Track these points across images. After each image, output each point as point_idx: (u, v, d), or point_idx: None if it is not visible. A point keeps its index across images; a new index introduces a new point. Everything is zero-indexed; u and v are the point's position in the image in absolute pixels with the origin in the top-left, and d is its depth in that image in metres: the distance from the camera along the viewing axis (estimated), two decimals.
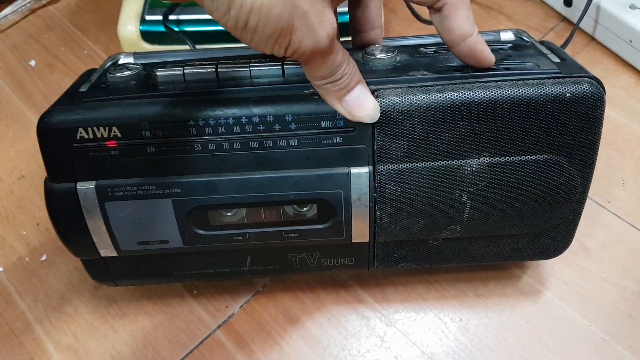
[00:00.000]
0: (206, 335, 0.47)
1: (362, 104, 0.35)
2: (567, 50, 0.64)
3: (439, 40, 0.44)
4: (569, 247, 0.44)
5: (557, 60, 0.39)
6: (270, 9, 0.28)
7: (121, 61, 0.44)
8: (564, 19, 0.69)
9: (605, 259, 0.49)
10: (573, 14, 0.67)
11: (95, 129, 0.36)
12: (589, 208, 0.52)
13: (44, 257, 0.52)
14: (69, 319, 0.48)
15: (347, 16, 0.42)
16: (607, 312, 0.46)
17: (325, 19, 0.30)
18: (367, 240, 0.41)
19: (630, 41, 0.62)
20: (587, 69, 0.39)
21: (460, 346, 0.45)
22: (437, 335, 0.46)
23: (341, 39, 0.44)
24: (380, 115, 0.36)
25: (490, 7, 0.72)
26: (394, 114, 0.36)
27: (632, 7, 0.62)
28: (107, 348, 0.46)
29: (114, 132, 0.36)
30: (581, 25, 0.66)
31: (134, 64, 0.41)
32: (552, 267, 0.49)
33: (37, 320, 0.48)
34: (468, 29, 0.35)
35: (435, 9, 0.35)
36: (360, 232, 0.40)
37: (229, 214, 0.40)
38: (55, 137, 0.37)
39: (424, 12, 0.71)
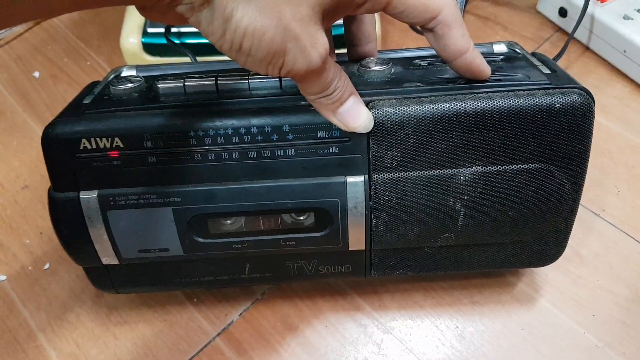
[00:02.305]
0: (206, 343, 0.47)
1: (355, 115, 0.35)
2: (562, 60, 0.65)
3: (433, 52, 0.45)
4: (563, 255, 0.44)
5: (547, 71, 0.40)
6: (264, 33, 0.29)
7: (124, 74, 0.45)
8: (559, 29, 0.70)
9: (599, 266, 0.50)
10: (568, 24, 0.68)
11: (98, 139, 0.37)
12: (583, 216, 0.53)
13: (46, 266, 0.53)
14: (71, 326, 0.49)
15: (343, 29, 0.43)
16: (601, 320, 0.46)
17: (317, 40, 0.31)
18: (363, 248, 0.42)
19: (624, 51, 0.62)
20: (582, 78, 0.40)
21: (456, 353, 0.45)
22: (433, 342, 0.46)
23: (337, 51, 0.45)
24: (375, 126, 0.36)
25: (487, 18, 0.73)
26: (388, 125, 0.37)
27: (626, 17, 0.62)
28: (109, 355, 0.47)
29: (116, 142, 0.37)
30: (576, 35, 0.67)
31: (136, 76, 0.42)
32: (547, 275, 0.49)
33: (39, 327, 0.49)
34: (463, 46, 0.36)
35: (428, 29, 0.36)
36: (356, 240, 0.41)
37: (228, 222, 0.41)
38: (59, 148, 0.37)
39: None
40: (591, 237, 0.52)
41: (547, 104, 0.36)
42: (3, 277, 0.52)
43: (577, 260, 0.50)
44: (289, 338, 0.47)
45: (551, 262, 0.45)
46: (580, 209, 0.41)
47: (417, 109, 0.36)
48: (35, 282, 0.52)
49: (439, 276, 0.50)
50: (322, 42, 0.31)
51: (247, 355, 0.46)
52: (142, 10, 0.30)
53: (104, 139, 0.37)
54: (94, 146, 0.37)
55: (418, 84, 0.38)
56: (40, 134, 0.38)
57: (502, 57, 0.43)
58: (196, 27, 0.29)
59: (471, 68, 0.37)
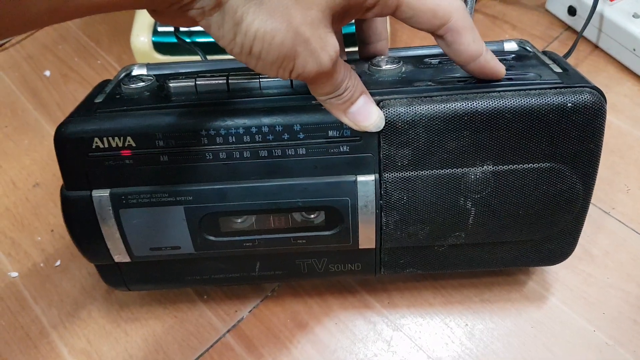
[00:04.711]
0: (216, 339, 0.47)
1: (366, 114, 0.35)
2: (571, 59, 0.64)
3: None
4: (574, 253, 0.44)
5: (559, 70, 0.40)
6: (274, 36, 0.29)
7: (135, 72, 0.45)
8: (569, 27, 0.70)
9: (609, 264, 0.50)
10: (577, 22, 0.68)
11: (110, 138, 0.37)
12: (594, 214, 0.53)
13: (58, 263, 0.53)
14: (83, 323, 0.49)
15: (354, 27, 0.43)
16: (612, 317, 0.46)
17: (327, 43, 0.31)
18: (373, 246, 0.42)
19: (634, 49, 0.62)
20: (591, 77, 0.39)
21: (466, 351, 0.45)
22: (443, 340, 0.46)
23: (348, 50, 0.45)
24: (386, 125, 0.37)
25: (495, 17, 0.72)
26: (399, 124, 0.37)
27: (636, 16, 0.62)
28: (120, 351, 0.47)
29: (129, 141, 0.37)
30: (585, 33, 0.67)
31: (147, 75, 0.42)
32: (557, 273, 0.49)
33: (51, 324, 0.49)
34: (475, 51, 0.36)
35: (438, 35, 0.36)
36: (366, 238, 0.41)
37: (239, 220, 0.41)
38: (71, 147, 0.38)
39: None
40: (601, 235, 0.52)
41: (559, 103, 0.36)
42: (15, 274, 0.53)
43: (587, 259, 0.50)
44: (298, 335, 0.47)
45: (561, 260, 0.45)
46: (590, 207, 0.41)
47: (428, 108, 0.36)
48: (46, 279, 0.52)
49: (449, 274, 0.50)
50: (332, 45, 0.31)
51: (257, 351, 0.46)
52: (153, 13, 0.31)
53: (116, 138, 0.37)
54: (106, 145, 0.37)
55: (429, 83, 0.38)
56: (52, 132, 0.38)
57: (513, 55, 0.43)
58: (207, 31, 0.30)
59: (484, 71, 0.37)
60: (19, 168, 0.62)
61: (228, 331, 0.48)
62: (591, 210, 0.42)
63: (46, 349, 0.48)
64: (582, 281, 0.49)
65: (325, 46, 0.31)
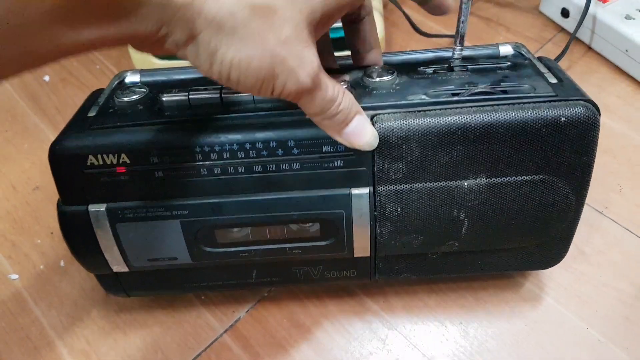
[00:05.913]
0: (213, 339, 0.48)
1: (360, 134, 0.35)
2: (565, 60, 0.64)
3: (438, 55, 0.44)
4: (568, 253, 0.44)
5: (554, 80, 0.40)
6: (249, 63, 0.29)
7: (127, 79, 0.45)
8: (562, 29, 0.70)
9: (602, 263, 0.50)
10: (570, 24, 0.68)
11: (104, 155, 0.37)
12: (587, 214, 0.53)
13: (58, 265, 0.53)
14: (82, 324, 0.49)
15: (342, 32, 0.42)
16: (605, 315, 0.47)
17: (304, 60, 0.30)
18: (368, 255, 0.42)
19: (626, 50, 0.62)
20: (585, 78, 0.39)
21: (460, 349, 0.46)
22: (437, 338, 0.47)
23: (340, 54, 0.44)
24: (379, 140, 0.36)
25: (490, 19, 0.72)
26: (393, 139, 0.36)
27: (628, 17, 0.62)
28: (119, 352, 0.48)
29: (123, 158, 0.37)
30: (578, 35, 0.66)
31: (140, 87, 0.42)
32: (551, 272, 0.50)
33: (51, 325, 0.50)
34: None
35: None
36: (361, 247, 0.41)
37: (235, 231, 0.41)
38: (66, 164, 0.38)
39: (424, 25, 0.71)
40: (595, 234, 0.52)
41: (553, 117, 0.36)
42: (15, 276, 0.53)
43: (581, 258, 0.50)
44: (295, 334, 0.48)
45: (554, 265, 0.45)
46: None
47: (421, 122, 0.36)
48: (46, 281, 0.52)
49: None
50: (309, 61, 0.30)
51: (254, 351, 0.47)
52: (133, 47, 0.31)
53: (110, 155, 0.37)
54: (101, 162, 0.37)
55: (423, 97, 0.38)
56: (51, 136, 0.38)
57: (508, 64, 0.42)
58: (184, 60, 0.30)
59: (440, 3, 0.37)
60: (19, 172, 0.62)
61: (225, 331, 0.48)
62: (585, 210, 0.41)
63: (46, 350, 0.48)
64: (576, 280, 0.49)
65: (303, 63, 0.30)
